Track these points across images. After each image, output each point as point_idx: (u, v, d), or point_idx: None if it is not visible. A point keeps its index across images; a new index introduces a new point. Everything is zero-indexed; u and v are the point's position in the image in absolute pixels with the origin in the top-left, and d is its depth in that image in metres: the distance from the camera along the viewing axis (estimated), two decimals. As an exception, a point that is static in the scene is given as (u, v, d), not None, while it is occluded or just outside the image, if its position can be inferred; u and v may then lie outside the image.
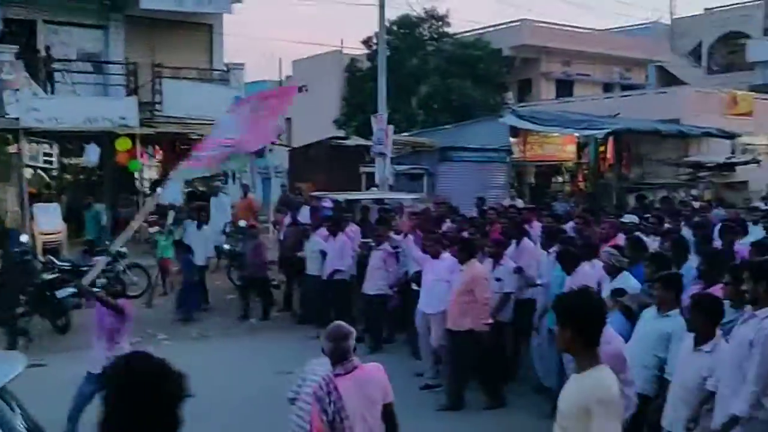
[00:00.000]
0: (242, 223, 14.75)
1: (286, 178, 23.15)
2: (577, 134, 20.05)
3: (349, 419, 4.02)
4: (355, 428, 4.06)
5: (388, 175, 15.68)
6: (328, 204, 14.37)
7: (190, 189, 19.57)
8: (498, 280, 8.35)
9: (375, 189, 16.92)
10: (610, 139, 20.78)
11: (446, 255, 8.66)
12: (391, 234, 10.28)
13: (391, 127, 16.34)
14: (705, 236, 8.60)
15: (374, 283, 10.27)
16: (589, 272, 7.35)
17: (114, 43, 19.18)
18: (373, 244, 10.68)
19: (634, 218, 11.42)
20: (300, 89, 38.28)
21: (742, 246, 8.35)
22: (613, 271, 6.99)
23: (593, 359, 3.30)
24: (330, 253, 11.24)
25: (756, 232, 9.76)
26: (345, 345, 4.18)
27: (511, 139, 21.05)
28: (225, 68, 19.86)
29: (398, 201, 14.20)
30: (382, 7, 16.78)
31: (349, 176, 20.47)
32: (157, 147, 19.24)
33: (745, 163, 20.99)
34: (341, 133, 28.23)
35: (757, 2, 37.70)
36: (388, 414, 4.28)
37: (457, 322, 7.84)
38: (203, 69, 19.66)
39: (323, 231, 11.72)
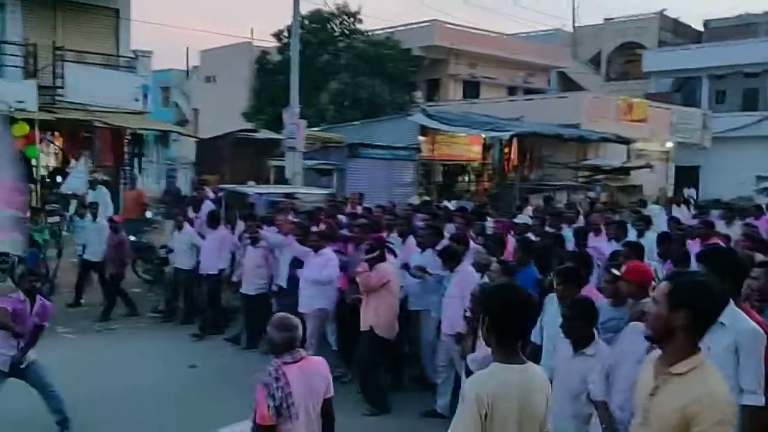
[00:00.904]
0: (149, 214, 14.39)
1: (192, 170, 22.82)
2: (483, 135, 20.62)
3: (295, 406, 4.06)
4: (300, 416, 4.09)
5: (299, 170, 15.61)
6: (211, 195, 14.07)
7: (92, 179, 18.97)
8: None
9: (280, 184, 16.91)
10: (514, 141, 21.46)
11: (326, 250, 8.64)
12: (262, 231, 9.82)
13: (304, 121, 16.33)
14: (579, 239, 9.08)
15: (253, 283, 9.88)
16: (471, 270, 7.37)
17: (12, 23, 18.27)
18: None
19: (527, 219, 11.92)
20: (209, 79, 37.72)
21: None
22: (482, 269, 7.13)
23: (512, 354, 3.21)
24: (206, 247, 10.82)
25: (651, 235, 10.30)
26: (295, 334, 4.22)
27: (420, 138, 21.44)
28: (132, 55, 19.28)
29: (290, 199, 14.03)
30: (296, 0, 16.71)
31: (258, 170, 20.35)
32: (57, 134, 18.50)
33: (640, 167, 22.14)
34: (250, 126, 27.93)
35: (652, 15, 39.73)
36: (327, 408, 4.32)
37: (365, 321, 7.72)
38: (109, 55, 19.00)
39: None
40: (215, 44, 36.76)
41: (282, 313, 4.44)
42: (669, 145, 28.72)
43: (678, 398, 2.80)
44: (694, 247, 8.77)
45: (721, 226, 11.80)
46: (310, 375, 4.20)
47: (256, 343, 9.70)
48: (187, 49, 62.65)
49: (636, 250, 7.45)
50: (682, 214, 15.68)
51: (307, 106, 29.23)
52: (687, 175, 30.32)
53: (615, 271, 5.81)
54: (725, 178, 29.08)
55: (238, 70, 34.89)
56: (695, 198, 24.37)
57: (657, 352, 3.04)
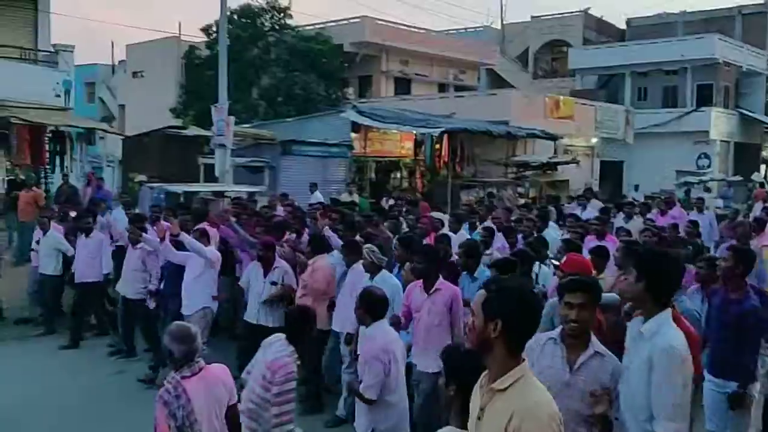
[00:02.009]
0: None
1: (119, 167, 22.13)
2: (414, 132, 20.68)
3: (198, 423, 3.99)
4: (203, 429, 4.03)
5: (228, 168, 15.34)
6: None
7: (10, 177, 18.24)
8: (273, 283, 8.00)
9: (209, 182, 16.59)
10: (446, 137, 21.62)
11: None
12: (144, 235, 9.15)
13: (232, 118, 16.04)
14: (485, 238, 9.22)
15: (132, 286, 9.30)
16: (362, 270, 7.26)
17: None
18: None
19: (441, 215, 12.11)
20: (135, 74, 36.77)
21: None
22: (372, 269, 6.99)
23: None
24: (80, 255, 10.15)
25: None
26: (195, 346, 4.12)
27: (352, 134, 21.37)
28: (52, 49, 18.60)
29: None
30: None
31: (187, 167, 19.89)
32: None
33: (566, 162, 22.65)
34: (178, 122, 27.32)
35: (577, 13, 40.71)
36: (232, 415, 4.28)
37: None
38: (27, 49, 18.28)
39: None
40: (142, 39, 35.91)
41: (178, 324, 4.35)
42: (594, 141, 29.47)
43: (501, 416, 2.61)
44: (590, 243, 9.07)
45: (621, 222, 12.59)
46: (212, 385, 4.14)
47: (134, 350, 9.50)
48: (113, 43, 60.64)
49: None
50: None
51: (237, 102, 28.83)
52: (611, 170, 31.20)
53: (555, 262, 5.98)
54: (647, 172, 30.01)
55: (165, 65, 34.13)
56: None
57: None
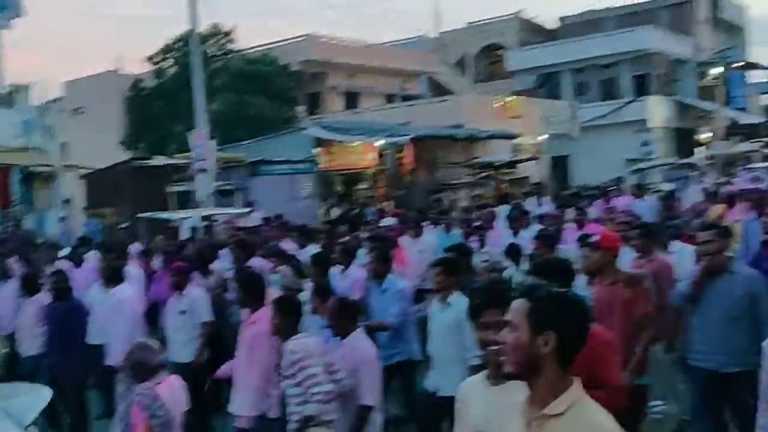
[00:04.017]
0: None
1: (69, 207, 21.55)
2: (383, 141, 20.89)
3: (175, 420, 4.40)
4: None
5: (210, 192, 15.29)
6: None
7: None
8: (182, 312, 7.11)
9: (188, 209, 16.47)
10: (408, 145, 21.95)
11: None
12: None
13: (213, 142, 16.00)
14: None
15: (32, 341, 7.71)
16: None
17: None
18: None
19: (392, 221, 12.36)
20: (76, 111, 35.95)
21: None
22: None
23: None
24: None
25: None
26: (163, 358, 4.63)
27: (316, 150, 21.47)
28: (8, 89, 18.20)
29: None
30: (193, 14, 16.41)
31: (155, 198, 19.66)
32: None
33: (528, 159, 23.27)
34: (128, 156, 26.90)
35: (511, 16, 41.79)
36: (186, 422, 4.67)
37: None
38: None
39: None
40: (78, 75, 35.18)
41: (143, 340, 4.83)
42: (542, 137, 30.27)
43: None
44: (571, 233, 9.36)
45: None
46: (176, 391, 4.55)
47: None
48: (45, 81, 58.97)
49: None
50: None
51: (189, 129, 28.58)
52: (559, 165, 32.07)
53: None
54: (594, 164, 30.95)
55: (106, 99, 33.49)
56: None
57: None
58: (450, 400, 3.37)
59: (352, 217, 15.86)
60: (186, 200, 18.86)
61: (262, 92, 28.74)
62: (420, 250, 9.89)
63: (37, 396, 3.41)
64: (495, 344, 2.78)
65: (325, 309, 5.41)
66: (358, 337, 5.13)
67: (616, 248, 5.39)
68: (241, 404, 5.46)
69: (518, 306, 2.38)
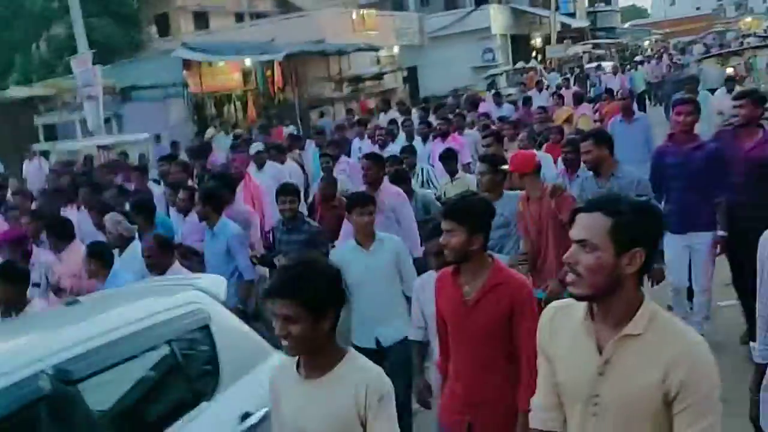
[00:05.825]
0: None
1: None
2: (258, 59, 20.67)
3: None
4: None
5: (101, 120, 14.73)
6: None
7: None
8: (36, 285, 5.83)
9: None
10: (276, 63, 21.89)
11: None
12: None
13: (99, 66, 15.26)
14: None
15: None
16: None
17: None
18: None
19: (260, 146, 11.01)
20: None
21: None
22: (120, 243, 5.83)
23: None
24: None
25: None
26: None
27: (185, 72, 20.94)
28: None
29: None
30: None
31: (20, 132, 18.56)
32: None
33: (393, 71, 23.99)
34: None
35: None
36: None
37: None
38: None
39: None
40: None
41: None
42: (396, 49, 31.01)
43: (649, 368, 2.03)
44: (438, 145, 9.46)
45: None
46: None
47: None
48: None
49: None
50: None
51: (25, 58, 26.78)
52: (410, 76, 32.99)
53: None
54: (442, 74, 32.13)
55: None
56: None
57: (576, 315, 2.17)
58: None
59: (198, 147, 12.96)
60: (55, 133, 18.04)
61: (105, 14, 27.14)
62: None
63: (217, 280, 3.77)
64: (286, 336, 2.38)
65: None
66: (174, 270, 5.08)
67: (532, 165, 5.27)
68: None
69: (595, 222, 2.05)
